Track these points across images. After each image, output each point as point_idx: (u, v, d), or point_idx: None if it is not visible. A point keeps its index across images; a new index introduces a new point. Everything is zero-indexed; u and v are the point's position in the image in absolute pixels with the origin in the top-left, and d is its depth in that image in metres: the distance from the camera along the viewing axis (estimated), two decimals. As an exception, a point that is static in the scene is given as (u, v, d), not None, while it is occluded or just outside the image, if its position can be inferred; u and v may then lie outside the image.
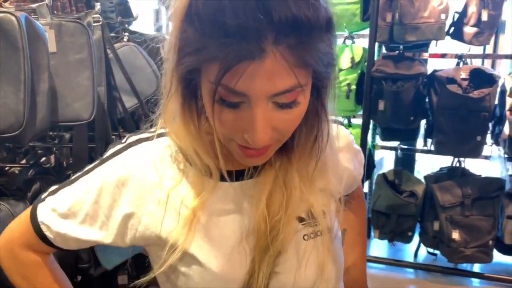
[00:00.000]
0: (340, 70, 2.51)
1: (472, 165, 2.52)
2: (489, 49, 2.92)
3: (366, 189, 2.90)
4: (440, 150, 2.42)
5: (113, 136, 1.55)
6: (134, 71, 1.65)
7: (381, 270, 2.56)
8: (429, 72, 2.38)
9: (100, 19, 1.48)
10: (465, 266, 2.52)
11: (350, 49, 2.54)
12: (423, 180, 2.52)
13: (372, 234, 2.65)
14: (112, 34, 1.74)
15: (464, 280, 2.48)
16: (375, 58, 2.48)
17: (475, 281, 2.47)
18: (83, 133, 1.44)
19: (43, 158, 1.51)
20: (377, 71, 2.38)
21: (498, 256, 2.42)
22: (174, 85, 0.52)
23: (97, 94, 1.39)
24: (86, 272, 1.46)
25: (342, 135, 0.68)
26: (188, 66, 0.48)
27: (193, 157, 0.57)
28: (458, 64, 2.36)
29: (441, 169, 2.58)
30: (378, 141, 2.75)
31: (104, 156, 0.62)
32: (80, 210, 0.60)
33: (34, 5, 1.38)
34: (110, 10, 1.91)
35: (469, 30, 2.31)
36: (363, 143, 2.50)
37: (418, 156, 2.97)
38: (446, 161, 2.57)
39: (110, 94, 1.54)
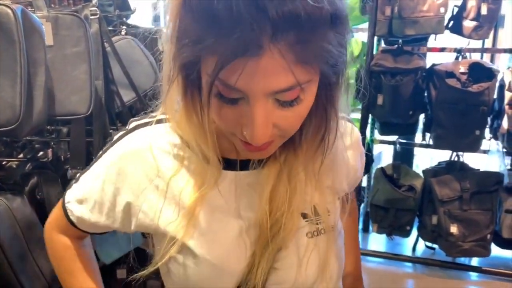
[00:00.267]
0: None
1: (471, 159, 2.53)
2: (488, 43, 2.92)
3: (364, 183, 2.90)
4: (438, 144, 2.42)
5: (111, 130, 1.54)
6: (132, 65, 1.64)
7: (379, 264, 2.57)
8: (428, 66, 2.37)
9: (97, 12, 1.47)
10: (463, 260, 2.53)
11: (349, 43, 2.52)
12: (421, 174, 2.53)
13: (371, 228, 2.66)
14: (110, 28, 1.73)
15: (462, 274, 2.49)
16: (374, 52, 2.48)
17: (473, 275, 2.48)
18: (81, 127, 1.43)
19: (41, 153, 1.50)
20: (376, 65, 2.37)
21: (496, 250, 2.43)
22: (175, 73, 0.51)
23: (95, 88, 1.38)
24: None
25: (352, 133, 0.68)
26: (187, 56, 0.47)
27: (194, 147, 0.56)
28: (457, 58, 2.36)
29: (439, 163, 2.58)
30: (377, 135, 2.75)
31: (111, 142, 0.63)
32: (90, 197, 0.63)
33: (30, -2, 1.37)
34: (108, 4, 1.89)
35: (468, 24, 2.30)
36: (361, 137, 2.50)
37: (417, 150, 2.98)
38: (444, 155, 2.58)
39: (108, 88, 1.53)
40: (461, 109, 2.25)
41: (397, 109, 2.38)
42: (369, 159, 2.66)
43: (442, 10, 2.26)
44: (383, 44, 2.61)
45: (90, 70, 1.35)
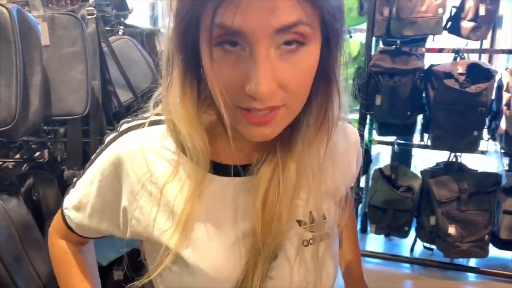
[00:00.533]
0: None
1: (469, 160, 2.53)
2: (486, 43, 2.92)
3: (362, 183, 2.90)
4: (436, 145, 2.42)
5: (108, 131, 1.53)
6: (129, 65, 1.63)
7: (377, 265, 2.57)
8: (426, 66, 2.37)
9: (94, 11, 1.46)
10: (461, 260, 2.53)
11: (347, 43, 2.52)
12: (419, 175, 2.53)
13: (369, 229, 2.65)
14: (107, 28, 1.72)
15: (460, 274, 2.49)
16: (372, 53, 2.47)
17: (471, 275, 2.48)
18: (77, 127, 1.43)
19: (37, 153, 1.49)
20: (374, 66, 2.37)
21: (494, 251, 2.43)
22: (176, 56, 0.50)
23: (91, 88, 1.37)
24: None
25: (351, 134, 0.66)
26: (186, 16, 0.46)
27: (186, 140, 0.53)
28: (455, 58, 2.36)
29: (437, 164, 2.58)
30: (375, 136, 2.75)
31: (102, 146, 0.61)
32: (87, 203, 0.62)
33: (27, -3, 1.37)
34: (106, 3, 1.89)
35: (466, 24, 2.30)
36: (359, 138, 2.49)
37: (415, 151, 2.98)
38: (442, 156, 2.58)
39: (105, 88, 1.52)
40: (459, 110, 2.25)
41: (395, 109, 2.38)
42: (367, 160, 2.67)
43: (440, 11, 2.26)
44: (381, 45, 2.61)
45: (86, 70, 1.34)
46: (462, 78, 2.25)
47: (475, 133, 2.29)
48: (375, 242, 2.77)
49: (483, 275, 2.44)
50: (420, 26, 2.27)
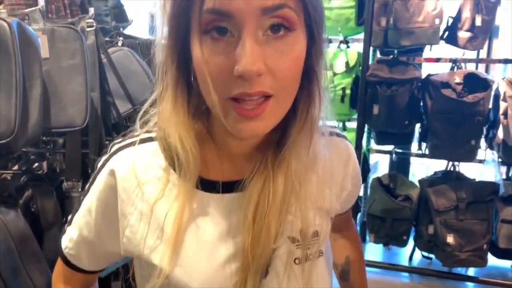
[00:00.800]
0: (335, 74, 2.52)
1: (467, 169, 2.53)
2: (483, 53, 2.94)
3: (361, 193, 2.90)
4: (434, 154, 2.43)
5: (107, 142, 1.54)
6: (128, 76, 1.64)
7: (376, 274, 2.56)
8: (423, 76, 2.39)
9: (94, 24, 1.47)
10: (459, 270, 2.53)
11: (345, 53, 2.54)
12: (417, 184, 2.53)
13: (367, 238, 2.65)
14: (107, 38, 1.73)
15: (459, 284, 2.49)
16: (370, 63, 2.49)
17: (470, 285, 2.48)
18: (76, 139, 1.43)
19: (36, 164, 1.49)
20: (372, 76, 2.38)
21: (492, 260, 2.43)
22: (169, 61, 0.51)
23: (91, 100, 1.38)
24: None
25: (343, 149, 0.65)
26: (178, 15, 0.48)
27: (177, 147, 0.53)
28: (452, 68, 2.37)
29: (435, 173, 2.59)
30: (373, 145, 2.76)
31: (95, 172, 0.61)
32: (90, 233, 0.61)
33: (27, 10, 1.38)
34: (105, 13, 1.90)
35: (463, 34, 2.32)
36: (358, 147, 2.50)
37: (413, 160, 2.99)
38: (440, 165, 2.58)
39: (104, 99, 1.53)
40: (457, 119, 2.26)
41: (393, 119, 2.39)
42: (366, 169, 2.67)
43: (437, 21, 2.28)
44: (378, 55, 2.63)
45: (86, 83, 1.35)
46: (459, 87, 2.27)
47: (473, 142, 2.30)
48: (373, 251, 2.77)
49: (482, 285, 2.43)
50: (417, 36, 2.29)
